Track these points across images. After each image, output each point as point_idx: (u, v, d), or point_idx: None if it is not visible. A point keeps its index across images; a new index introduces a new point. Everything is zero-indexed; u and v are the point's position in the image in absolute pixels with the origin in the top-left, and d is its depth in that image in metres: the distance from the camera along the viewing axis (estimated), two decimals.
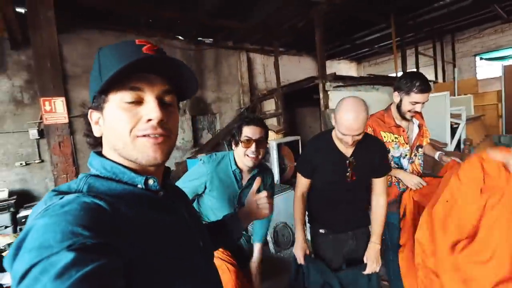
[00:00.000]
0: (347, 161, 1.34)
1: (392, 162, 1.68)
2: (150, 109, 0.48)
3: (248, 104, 6.43)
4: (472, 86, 5.39)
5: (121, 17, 4.40)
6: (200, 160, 1.38)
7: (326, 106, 4.91)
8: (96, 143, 0.55)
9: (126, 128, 0.48)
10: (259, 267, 1.46)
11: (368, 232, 1.49)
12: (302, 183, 1.47)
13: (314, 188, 1.47)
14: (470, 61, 7.41)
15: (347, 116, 1.19)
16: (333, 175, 1.38)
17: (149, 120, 0.48)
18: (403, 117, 1.63)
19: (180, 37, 5.50)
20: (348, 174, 1.34)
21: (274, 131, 4.97)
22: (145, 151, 0.49)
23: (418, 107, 1.53)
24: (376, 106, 5.74)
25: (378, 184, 1.43)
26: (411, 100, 1.53)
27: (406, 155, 1.68)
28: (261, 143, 1.28)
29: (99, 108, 0.50)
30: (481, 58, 7.31)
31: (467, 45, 7.48)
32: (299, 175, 1.49)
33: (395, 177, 1.65)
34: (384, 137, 1.67)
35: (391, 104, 1.72)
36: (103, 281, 0.33)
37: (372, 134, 1.71)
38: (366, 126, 1.24)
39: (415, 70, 7.04)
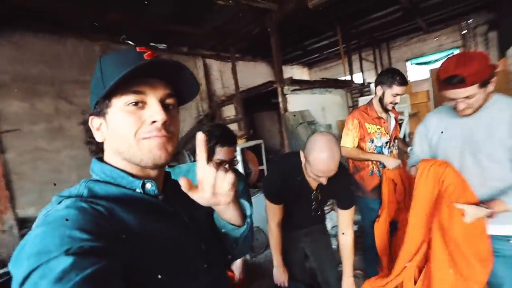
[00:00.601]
0: (317, 196, 1.39)
1: (374, 151, 1.86)
2: (154, 111, 0.49)
3: (207, 110, 6.30)
4: (407, 87, 6.15)
5: (60, 18, 3.94)
6: None
7: (286, 109, 5.08)
8: (98, 150, 0.56)
9: (131, 130, 0.49)
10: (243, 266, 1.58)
11: (323, 229, 1.59)
12: (275, 211, 1.42)
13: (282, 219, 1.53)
14: (403, 65, 8.45)
15: (322, 158, 1.10)
16: (299, 207, 1.42)
17: (153, 122, 0.49)
18: (384, 109, 1.82)
19: (130, 42, 5.14)
20: (313, 207, 1.40)
21: (237, 136, 4.96)
22: (150, 151, 0.50)
23: (398, 99, 1.75)
24: (331, 107, 6.15)
25: (345, 217, 1.41)
26: (393, 93, 1.72)
27: (387, 144, 1.88)
28: (233, 161, 1.26)
29: (101, 113, 0.52)
30: (411, 63, 8.41)
31: (399, 51, 8.53)
32: (269, 202, 1.42)
33: (377, 162, 1.79)
34: (368, 128, 1.85)
35: (372, 99, 1.89)
36: (102, 284, 0.33)
37: (358, 126, 1.84)
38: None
39: (360, 73, 7.77)
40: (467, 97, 1.07)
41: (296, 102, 5.39)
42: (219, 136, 1.22)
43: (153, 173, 0.54)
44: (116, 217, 0.44)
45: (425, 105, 5.75)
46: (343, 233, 1.40)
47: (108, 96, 0.49)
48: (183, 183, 0.48)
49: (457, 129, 1.21)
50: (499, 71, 5.14)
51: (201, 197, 0.50)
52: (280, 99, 5.08)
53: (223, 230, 0.62)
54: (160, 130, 0.50)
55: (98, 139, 0.54)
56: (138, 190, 0.51)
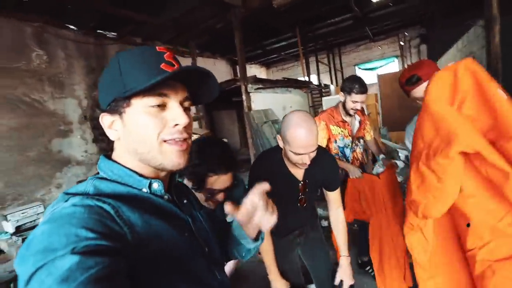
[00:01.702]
0: (299, 185, 1.25)
1: (337, 151, 1.89)
2: (177, 114, 0.50)
3: None
4: None
5: None
6: None
7: (250, 108, 5.03)
8: (109, 148, 0.47)
9: (154, 132, 0.49)
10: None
11: (314, 224, 1.51)
12: None
13: None
14: (352, 70, 9.23)
15: (300, 132, 1.03)
16: (285, 202, 1.20)
17: (176, 125, 0.50)
18: (347, 113, 1.88)
19: (72, 27, 4.47)
20: (300, 198, 1.28)
21: (199, 135, 4.73)
22: (171, 157, 0.51)
23: (358, 106, 1.81)
24: (291, 107, 6.31)
25: (334, 198, 1.37)
26: (352, 100, 1.80)
27: (349, 145, 1.96)
28: (230, 189, 1.02)
29: (116, 112, 0.50)
30: (359, 68, 9.22)
31: (349, 57, 9.28)
32: None
33: (341, 167, 1.84)
34: (332, 129, 1.91)
35: (339, 103, 1.94)
36: (108, 284, 0.33)
37: (325, 127, 1.85)
38: (317, 124, 1.17)
39: (316, 75, 8.18)
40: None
41: (259, 101, 5.40)
42: (213, 160, 0.93)
43: (163, 174, 0.54)
44: (122, 216, 0.43)
45: (374, 106, 6.34)
46: (333, 212, 1.39)
47: (129, 96, 0.48)
48: (229, 208, 0.55)
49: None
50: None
51: (240, 216, 0.58)
52: (244, 97, 5.01)
53: (241, 240, 0.66)
54: (182, 132, 0.51)
55: (112, 137, 0.52)
56: (144, 190, 0.52)
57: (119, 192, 0.48)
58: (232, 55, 7.82)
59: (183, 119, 0.50)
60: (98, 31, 4.83)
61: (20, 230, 3.07)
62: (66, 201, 0.43)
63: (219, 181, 0.95)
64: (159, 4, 4.34)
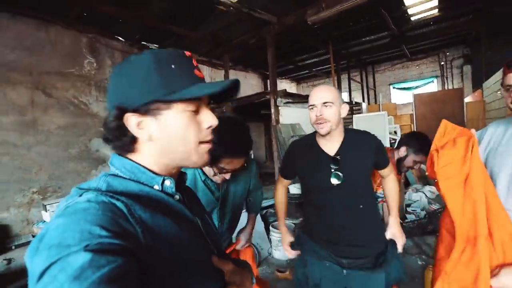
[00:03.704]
0: (331, 159, 1.16)
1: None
2: (210, 117, 0.53)
3: None
4: (392, 109, 6.45)
5: (44, 3, 3.65)
6: None
7: (278, 121, 5.04)
8: (125, 149, 0.53)
9: (195, 135, 0.52)
10: (250, 235, 1.43)
11: (379, 247, 1.21)
12: (283, 181, 1.39)
13: (304, 198, 1.36)
14: (386, 89, 8.90)
15: (314, 88, 1.17)
16: (318, 179, 1.19)
17: (209, 127, 0.53)
18: (399, 170, 1.68)
19: (120, 38, 4.91)
20: (333, 172, 1.14)
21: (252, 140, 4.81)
22: (203, 156, 0.54)
23: (417, 166, 1.64)
24: None
25: (383, 171, 1.27)
26: (416, 159, 1.61)
27: None
28: (239, 170, 1.05)
29: (150, 113, 0.49)
30: (393, 87, 8.88)
31: (383, 75, 9.00)
32: (280, 177, 1.40)
33: None
34: None
35: (394, 149, 1.73)
36: (119, 284, 0.33)
37: None
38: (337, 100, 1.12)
39: (347, 93, 8.00)
40: None
41: (287, 115, 5.39)
42: (232, 143, 0.93)
43: (174, 171, 0.56)
44: (134, 215, 0.43)
45: (408, 127, 6.01)
46: (385, 180, 1.29)
47: (167, 100, 0.49)
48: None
49: None
50: (475, 101, 5.54)
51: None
52: (272, 110, 5.04)
53: None
54: (211, 133, 0.54)
55: (142, 137, 0.51)
56: (156, 187, 0.52)
57: (131, 190, 0.49)
58: (264, 69, 7.99)
59: (215, 121, 0.53)
60: (142, 43, 5.24)
61: None
62: (80, 195, 0.43)
63: (233, 163, 0.98)
64: (199, 19, 4.62)
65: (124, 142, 0.52)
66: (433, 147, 1.15)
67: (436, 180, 1.12)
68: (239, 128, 1.02)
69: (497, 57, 4.89)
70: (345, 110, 1.16)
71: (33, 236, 3.52)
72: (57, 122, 4.03)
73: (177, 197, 0.55)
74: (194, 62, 0.53)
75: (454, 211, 1.05)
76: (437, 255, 1.17)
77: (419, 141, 1.61)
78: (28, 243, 3.44)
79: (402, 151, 1.66)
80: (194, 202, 0.64)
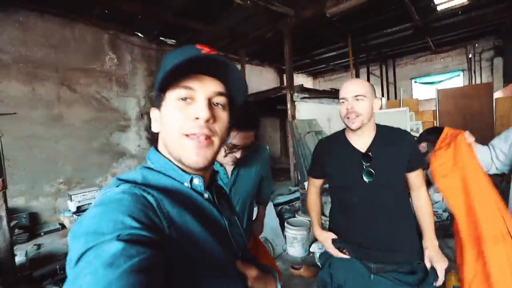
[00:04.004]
0: (362, 156, 1.11)
1: None
2: (199, 108, 0.49)
3: None
4: (414, 105, 6.17)
5: (68, 1, 3.79)
6: None
7: (294, 117, 4.99)
8: (153, 139, 0.51)
9: (176, 125, 0.50)
10: (262, 227, 1.51)
11: (412, 255, 1.14)
12: (314, 182, 1.32)
13: (332, 197, 1.30)
14: (408, 83, 8.53)
15: (345, 83, 1.12)
16: (348, 176, 1.14)
17: (197, 118, 0.49)
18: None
19: (139, 34, 5.02)
20: (365, 169, 1.09)
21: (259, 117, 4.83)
22: (188, 153, 0.50)
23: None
24: (337, 119, 6.06)
25: (414, 178, 1.16)
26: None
27: None
28: (250, 145, 1.06)
29: (158, 105, 0.53)
30: (415, 82, 8.49)
31: (405, 69, 8.62)
32: (309, 178, 1.34)
33: None
34: None
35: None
36: (148, 276, 0.34)
37: None
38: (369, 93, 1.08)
39: None
40: None
41: (304, 110, 5.32)
42: (238, 116, 0.98)
43: (198, 170, 0.53)
44: (163, 209, 0.45)
45: (431, 124, 5.74)
46: (415, 193, 1.17)
47: (164, 89, 0.51)
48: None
49: None
50: (506, 97, 5.19)
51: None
52: (288, 105, 4.99)
53: None
54: (202, 127, 0.49)
55: (154, 129, 0.56)
56: (186, 184, 0.52)
57: (163, 184, 0.50)
58: (280, 63, 7.90)
59: (203, 113, 0.49)
60: (160, 38, 5.33)
61: (80, 210, 3.48)
62: (117, 186, 0.46)
63: (239, 137, 0.99)
64: (216, 14, 4.62)
65: (151, 134, 0.56)
66: (436, 148, 1.23)
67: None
68: (245, 103, 1.02)
69: None
70: (377, 104, 1.11)
71: (60, 224, 3.73)
72: (81, 116, 4.22)
73: (206, 195, 0.54)
74: (203, 52, 0.49)
75: (459, 209, 1.11)
76: (457, 260, 1.15)
77: (440, 136, 1.55)
78: (55, 230, 3.66)
79: (423, 146, 1.57)
80: (224, 203, 0.63)
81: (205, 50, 0.50)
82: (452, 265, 1.24)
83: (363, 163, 1.10)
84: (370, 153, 1.11)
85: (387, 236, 1.10)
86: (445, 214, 3.18)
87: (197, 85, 0.50)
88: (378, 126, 1.16)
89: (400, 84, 8.66)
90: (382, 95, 8.11)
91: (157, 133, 0.56)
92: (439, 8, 5.18)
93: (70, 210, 3.57)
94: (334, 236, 1.18)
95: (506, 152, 1.16)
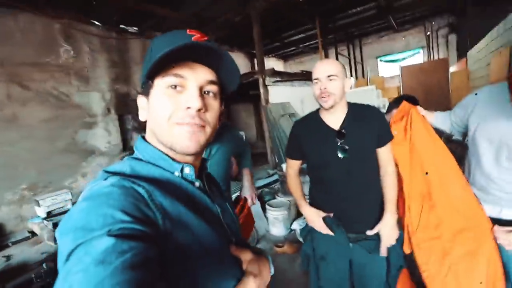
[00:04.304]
0: (336, 133, 1.17)
1: None
2: (190, 97, 0.48)
3: None
4: (380, 82, 6.47)
5: None
6: None
7: (267, 101, 5.00)
8: (140, 127, 0.50)
9: (166, 113, 0.49)
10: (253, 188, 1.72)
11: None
12: (292, 163, 1.34)
13: (309, 174, 1.34)
14: (374, 62, 8.87)
15: (317, 63, 1.17)
16: (323, 154, 1.19)
17: (188, 108, 0.48)
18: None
19: (96, 23, 4.62)
20: (339, 146, 1.15)
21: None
22: (179, 139, 0.49)
23: None
24: (309, 100, 6.19)
25: (382, 154, 1.21)
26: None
27: None
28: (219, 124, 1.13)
29: (146, 93, 0.52)
30: (380, 60, 8.85)
31: (370, 48, 8.93)
32: (287, 159, 1.36)
33: None
34: None
35: (386, 113, 1.72)
36: (141, 271, 0.34)
37: None
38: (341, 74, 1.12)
39: None
40: None
41: (277, 94, 5.35)
42: None
43: (188, 158, 0.53)
44: (155, 201, 0.43)
45: None
46: (383, 169, 1.22)
47: (152, 76, 0.49)
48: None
49: (502, 120, 1.05)
50: (460, 70, 5.61)
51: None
52: (261, 90, 4.98)
53: None
54: (194, 117, 0.49)
55: (141, 117, 0.54)
56: (176, 173, 0.51)
57: (153, 174, 0.49)
58: (250, 48, 7.77)
59: (194, 103, 0.48)
60: (121, 26, 4.96)
61: (50, 215, 3.27)
62: (105, 179, 0.44)
63: None
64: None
65: (138, 122, 0.55)
66: (391, 122, 1.36)
67: None
68: None
69: (483, 26, 4.90)
70: (348, 84, 1.16)
71: (29, 232, 3.50)
72: (38, 116, 3.87)
73: (197, 184, 0.54)
74: (194, 39, 0.47)
75: (404, 172, 1.30)
76: (400, 212, 1.36)
77: (412, 102, 1.67)
78: (25, 239, 3.43)
79: (395, 113, 1.69)
80: (215, 190, 0.63)
81: (196, 36, 0.48)
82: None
83: (337, 140, 1.16)
84: (343, 130, 1.16)
85: (359, 208, 1.19)
86: None
87: (189, 73, 0.49)
88: (349, 104, 1.21)
89: (367, 63, 8.99)
90: (351, 75, 8.38)
91: (145, 122, 0.54)
92: None
93: (39, 216, 3.35)
94: (324, 214, 1.23)
95: (462, 118, 1.24)
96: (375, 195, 1.22)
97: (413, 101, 1.68)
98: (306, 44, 8.41)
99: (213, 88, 0.52)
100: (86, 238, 0.34)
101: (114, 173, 0.46)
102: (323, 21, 6.25)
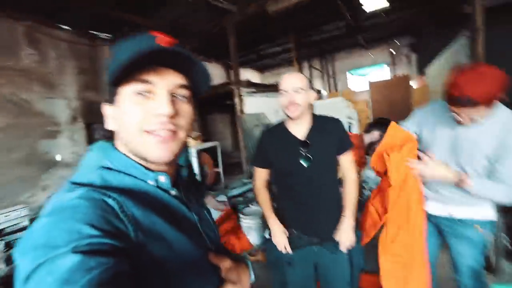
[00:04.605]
0: (301, 143, 1.23)
1: None
2: (160, 103, 0.46)
3: None
4: (351, 95, 6.83)
5: None
6: None
7: (242, 111, 5.06)
8: (111, 137, 0.53)
9: (135, 122, 0.46)
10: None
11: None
12: (260, 173, 1.36)
13: (275, 182, 1.37)
14: (345, 76, 9.36)
15: (286, 75, 1.23)
16: (288, 162, 1.25)
17: (159, 114, 0.46)
18: (367, 152, 1.84)
19: (65, 27, 4.43)
20: (303, 155, 1.21)
21: (191, 137, 4.71)
22: (151, 149, 0.47)
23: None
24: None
25: (344, 161, 1.30)
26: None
27: None
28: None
29: (112, 101, 0.49)
30: (351, 74, 9.37)
31: (342, 63, 9.42)
32: (255, 168, 1.38)
33: None
34: None
35: (364, 132, 1.87)
36: (110, 286, 0.32)
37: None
38: (306, 87, 1.19)
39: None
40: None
41: (252, 104, 5.43)
42: None
43: (162, 167, 0.51)
44: (127, 212, 0.41)
45: (365, 113, 6.43)
46: (345, 173, 1.30)
47: (117, 83, 0.46)
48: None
49: (446, 131, 1.21)
50: (421, 87, 6.12)
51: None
52: (236, 100, 5.04)
53: None
54: (165, 124, 0.46)
55: (109, 127, 0.51)
56: (151, 182, 0.49)
57: (126, 184, 0.46)
58: (227, 59, 7.85)
59: (165, 109, 0.45)
60: (92, 32, 4.79)
61: (2, 234, 2.98)
62: (71, 191, 0.41)
63: None
64: (156, 7, 4.35)
65: (109, 131, 0.52)
66: (382, 147, 1.35)
67: (374, 168, 1.40)
68: None
69: (437, 46, 5.41)
70: (312, 96, 1.22)
71: None
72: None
73: (173, 192, 0.52)
74: (159, 41, 0.45)
75: (391, 199, 1.29)
76: (365, 225, 1.44)
77: (385, 125, 1.80)
78: None
79: (376, 135, 1.81)
80: (192, 197, 0.60)
81: (161, 39, 0.46)
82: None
83: (302, 149, 1.21)
84: (307, 140, 1.22)
85: (322, 213, 1.25)
86: None
87: (156, 78, 0.46)
88: (313, 116, 1.28)
89: (338, 76, 9.47)
90: (324, 87, 8.76)
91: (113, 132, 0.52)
92: (367, 9, 5.78)
93: None
94: (286, 234, 1.27)
95: (416, 131, 1.37)
96: (336, 200, 1.30)
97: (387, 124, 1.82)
98: (281, 57, 8.68)
99: (184, 92, 0.50)
100: (48, 257, 0.31)
101: (82, 184, 0.43)
102: (297, 36, 6.52)
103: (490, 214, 1.24)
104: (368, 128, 1.85)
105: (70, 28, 4.47)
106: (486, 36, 2.74)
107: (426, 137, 1.31)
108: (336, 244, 1.25)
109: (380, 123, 1.83)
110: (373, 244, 1.38)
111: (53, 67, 4.26)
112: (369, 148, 1.84)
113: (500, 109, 1.11)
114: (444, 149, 1.23)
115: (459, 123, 1.13)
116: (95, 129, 4.84)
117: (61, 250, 0.32)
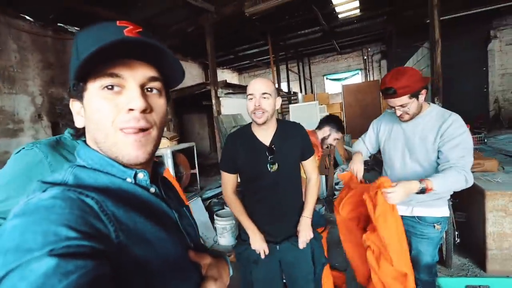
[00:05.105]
0: (267, 149, 1.26)
1: None
2: (131, 97, 0.43)
3: None
4: (325, 98, 7.09)
5: None
6: None
7: (219, 112, 5.05)
8: (79, 134, 0.50)
9: (107, 119, 0.43)
10: None
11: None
12: (229, 179, 1.36)
13: (243, 187, 1.39)
14: (321, 79, 9.68)
15: (254, 79, 1.25)
16: (255, 168, 1.28)
17: (131, 109, 0.43)
18: (322, 144, 2.01)
19: (27, 17, 4.15)
20: (270, 161, 1.25)
21: (167, 138, 4.61)
22: (125, 148, 0.45)
23: (335, 143, 2.01)
24: None
25: (307, 165, 1.37)
26: (336, 137, 1.96)
27: None
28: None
29: (79, 97, 0.45)
30: (326, 78, 9.71)
31: (318, 67, 9.74)
32: (223, 173, 1.38)
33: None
34: None
35: (316, 130, 2.01)
36: None
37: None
38: (275, 93, 1.22)
39: (286, 83, 8.39)
40: (401, 105, 1.26)
41: (229, 105, 5.44)
42: None
43: (138, 166, 0.48)
44: (107, 212, 0.39)
45: (339, 114, 6.70)
46: (308, 176, 1.38)
47: (83, 78, 0.43)
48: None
49: (399, 133, 1.40)
50: None
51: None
52: (213, 101, 5.02)
53: None
54: (138, 120, 0.44)
55: (78, 124, 0.48)
56: (129, 180, 0.47)
57: (102, 183, 0.44)
58: (204, 58, 7.79)
59: (137, 103, 0.43)
60: (59, 24, 4.53)
61: None
62: (44, 191, 0.38)
63: None
64: (130, 3, 4.22)
65: (76, 129, 0.49)
66: (371, 193, 1.29)
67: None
68: None
69: (404, 54, 5.79)
70: (279, 102, 1.26)
71: None
72: None
73: (152, 190, 0.50)
74: (127, 32, 0.43)
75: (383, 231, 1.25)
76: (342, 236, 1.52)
77: (337, 122, 1.97)
78: None
79: (327, 130, 1.97)
80: (171, 195, 0.58)
81: (128, 29, 0.43)
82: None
83: (268, 155, 1.26)
84: (273, 146, 1.26)
85: (286, 213, 1.32)
86: None
87: (126, 71, 0.43)
88: (278, 121, 1.33)
89: (314, 80, 9.76)
90: (301, 90, 8.98)
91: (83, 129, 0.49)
92: (340, 16, 6.03)
93: None
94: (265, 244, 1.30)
95: (375, 137, 1.57)
96: (299, 202, 1.38)
97: (337, 121, 1.97)
98: (259, 58, 8.78)
99: (156, 84, 0.47)
100: (21, 261, 0.29)
101: (55, 184, 0.41)
102: (274, 38, 6.64)
103: (445, 211, 1.37)
104: (320, 125, 2.02)
105: (32, 20, 4.19)
106: (443, 48, 2.99)
107: (383, 139, 1.48)
108: (297, 240, 1.31)
109: (329, 120, 2.02)
110: (337, 241, 1.45)
111: (14, 60, 3.97)
112: (322, 142, 2.01)
113: (434, 107, 1.35)
114: (401, 145, 1.39)
115: (400, 119, 1.33)
116: (63, 128, 4.57)
117: (35, 253, 0.29)
